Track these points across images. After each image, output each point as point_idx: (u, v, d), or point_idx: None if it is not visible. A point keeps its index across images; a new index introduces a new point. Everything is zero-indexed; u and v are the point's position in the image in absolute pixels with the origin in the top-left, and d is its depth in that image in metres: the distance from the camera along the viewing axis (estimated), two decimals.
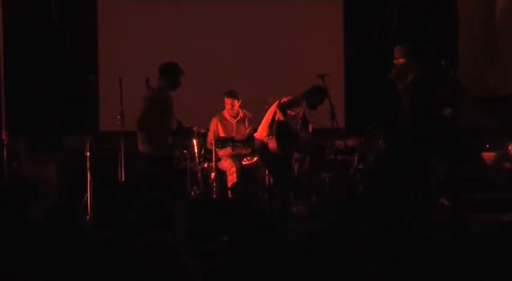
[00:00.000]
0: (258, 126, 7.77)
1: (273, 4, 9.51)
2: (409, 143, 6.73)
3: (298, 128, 7.63)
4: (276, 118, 7.55)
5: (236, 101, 8.21)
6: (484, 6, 9.62)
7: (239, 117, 8.34)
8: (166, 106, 7.00)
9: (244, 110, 8.36)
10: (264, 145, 7.63)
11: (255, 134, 7.82)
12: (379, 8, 9.64)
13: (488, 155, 8.54)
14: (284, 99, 7.54)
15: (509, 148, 8.49)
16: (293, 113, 7.58)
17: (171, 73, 7.04)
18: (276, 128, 7.54)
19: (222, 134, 8.19)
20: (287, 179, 7.55)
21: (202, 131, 7.95)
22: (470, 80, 8.27)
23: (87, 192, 7.21)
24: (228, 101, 8.23)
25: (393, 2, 9.64)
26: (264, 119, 7.69)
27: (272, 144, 7.54)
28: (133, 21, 9.30)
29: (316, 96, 7.55)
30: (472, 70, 9.23)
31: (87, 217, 7.05)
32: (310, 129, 7.77)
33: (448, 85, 6.84)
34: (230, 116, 8.32)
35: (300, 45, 9.43)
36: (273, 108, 7.60)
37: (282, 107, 7.51)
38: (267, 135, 7.56)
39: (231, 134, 8.17)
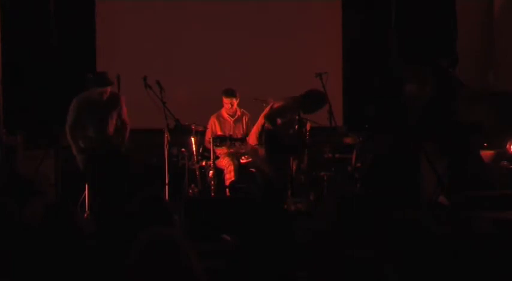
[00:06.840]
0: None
1: (271, 3, 9.48)
2: (417, 143, 6.75)
3: (291, 131, 7.57)
4: (265, 127, 7.53)
5: (234, 100, 8.19)
6: (483, 6, 9.61)
7: (237, 116, 8.32)
8: None
9: (242, 109, 8.34)
10: (254, 150, 7.63)
11: (247, 138, 7.83)
12: (377, 6, 9.62)
13: (487, 154, 8.52)
14: (276, 105, 7.49)
15: (508, 146, 8.47)
16: (284, 120, 7.54)
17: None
18: (265, 137, 7.51)
19: (219, 132, 8.17)
20: (277, 183, 7.48)
21: (200, 129, 7.94)
22: (469, 78, 8.25)
23: (84, 190, 7.20)
24: (226, 100, 8.20)
25: (392, 1, 9.62)
26: (256, 124, 7.68)
27: (262, 152, 7.52)
28: (131, 19, 9.27)
29: (313, 101, 7.46)
30: (471, 68, 9.21)
31: (85, 215, 7.04)
32: (308, 128, 7.74)
33: (448, 83, 6.85)
34: (228, 114, 8.31)
35: (299, 43, 9.41)
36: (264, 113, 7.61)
37: (270, 116, 7.46)
38: (257, 144, 7.56)
39: (228, 133, 8.16)
